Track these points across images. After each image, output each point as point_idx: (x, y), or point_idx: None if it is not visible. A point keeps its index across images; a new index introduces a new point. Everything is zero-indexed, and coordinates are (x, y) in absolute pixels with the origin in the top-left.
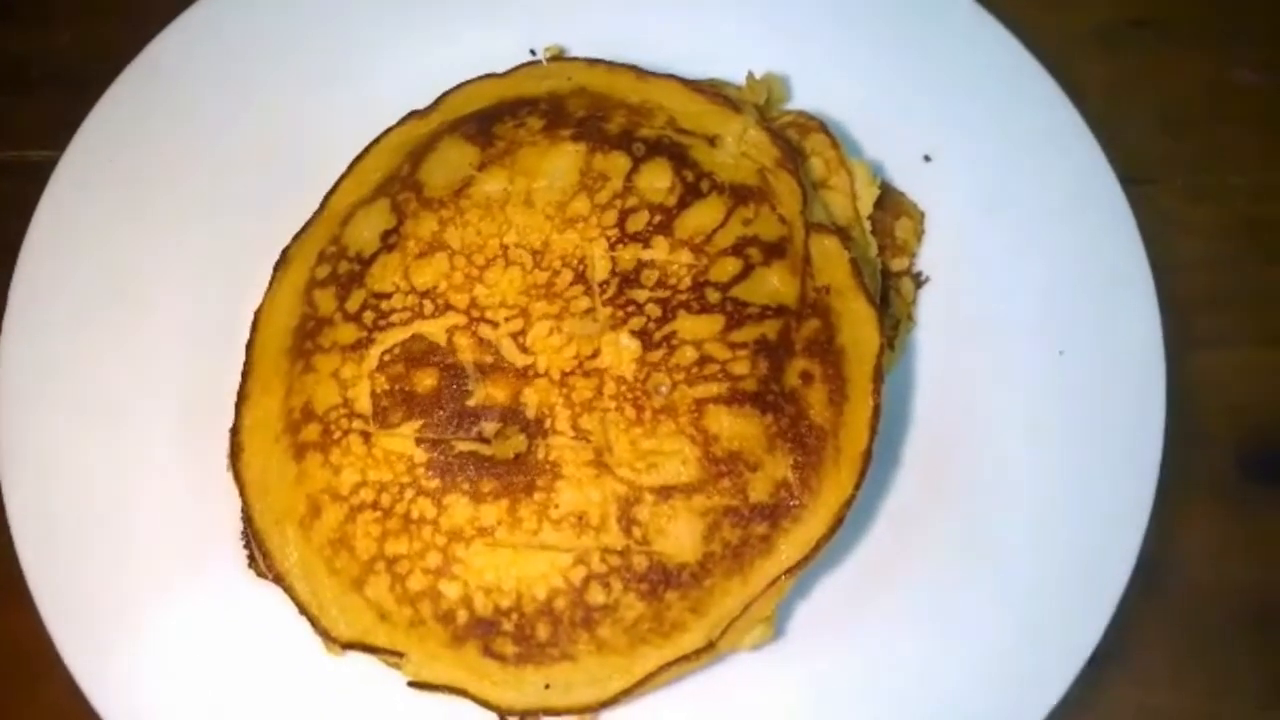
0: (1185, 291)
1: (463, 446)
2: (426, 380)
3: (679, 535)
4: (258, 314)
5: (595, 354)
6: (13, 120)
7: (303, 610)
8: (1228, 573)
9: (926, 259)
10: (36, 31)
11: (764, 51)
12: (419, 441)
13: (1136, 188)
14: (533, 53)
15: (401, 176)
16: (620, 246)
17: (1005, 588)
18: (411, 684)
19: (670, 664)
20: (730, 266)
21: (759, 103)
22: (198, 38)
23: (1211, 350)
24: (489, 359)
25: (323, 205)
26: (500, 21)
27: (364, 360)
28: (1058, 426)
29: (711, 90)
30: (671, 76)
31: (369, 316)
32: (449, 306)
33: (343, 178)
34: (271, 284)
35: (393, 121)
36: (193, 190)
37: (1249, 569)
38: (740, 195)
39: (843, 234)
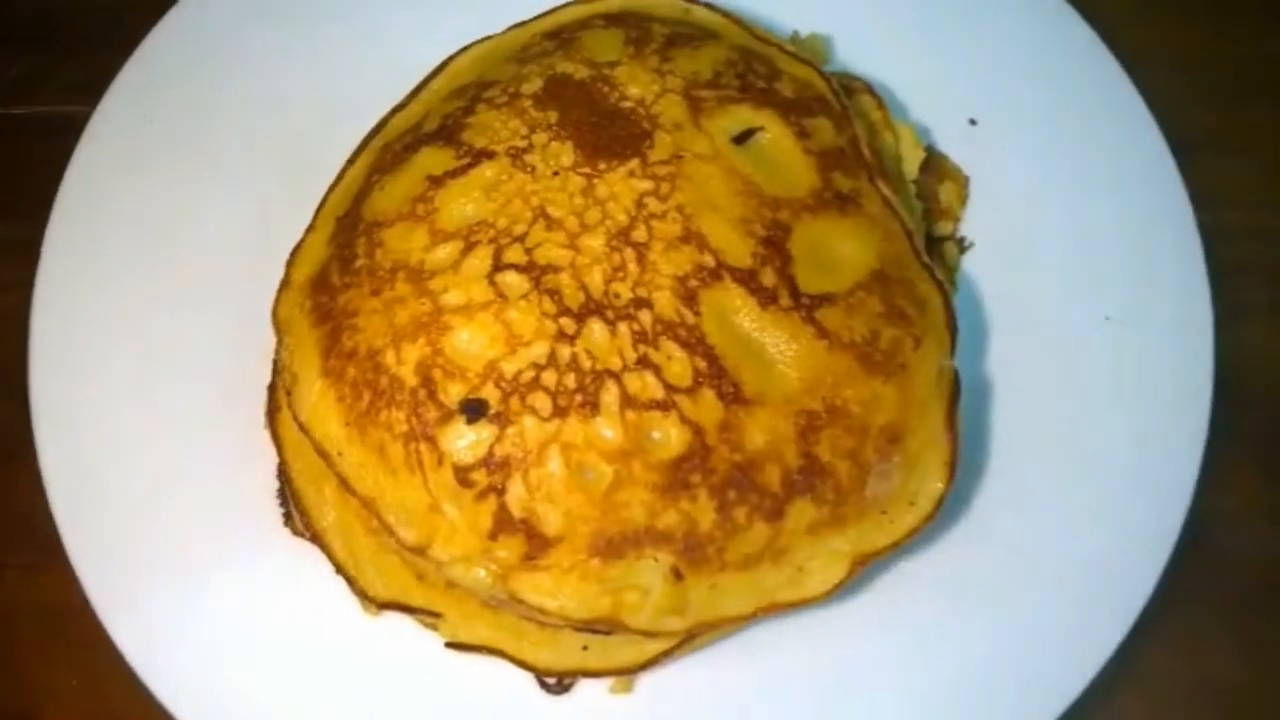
0: (1230, 259)
1: None
2: None
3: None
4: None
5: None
6: (53, 75)
7: (339, 569)
8: (1271, 539)
9: (970, 224)
10: None
11: (808, 12)
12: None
13: (1184, 155)
14: None
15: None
16: None
17: (1049, 550)
18: (449, 645)
19: (710, 625)
20: None
21: None
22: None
23: (1256, 318)
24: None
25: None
26: None
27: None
28: (1103, 392)
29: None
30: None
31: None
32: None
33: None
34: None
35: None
36: (228, 145)
37: None
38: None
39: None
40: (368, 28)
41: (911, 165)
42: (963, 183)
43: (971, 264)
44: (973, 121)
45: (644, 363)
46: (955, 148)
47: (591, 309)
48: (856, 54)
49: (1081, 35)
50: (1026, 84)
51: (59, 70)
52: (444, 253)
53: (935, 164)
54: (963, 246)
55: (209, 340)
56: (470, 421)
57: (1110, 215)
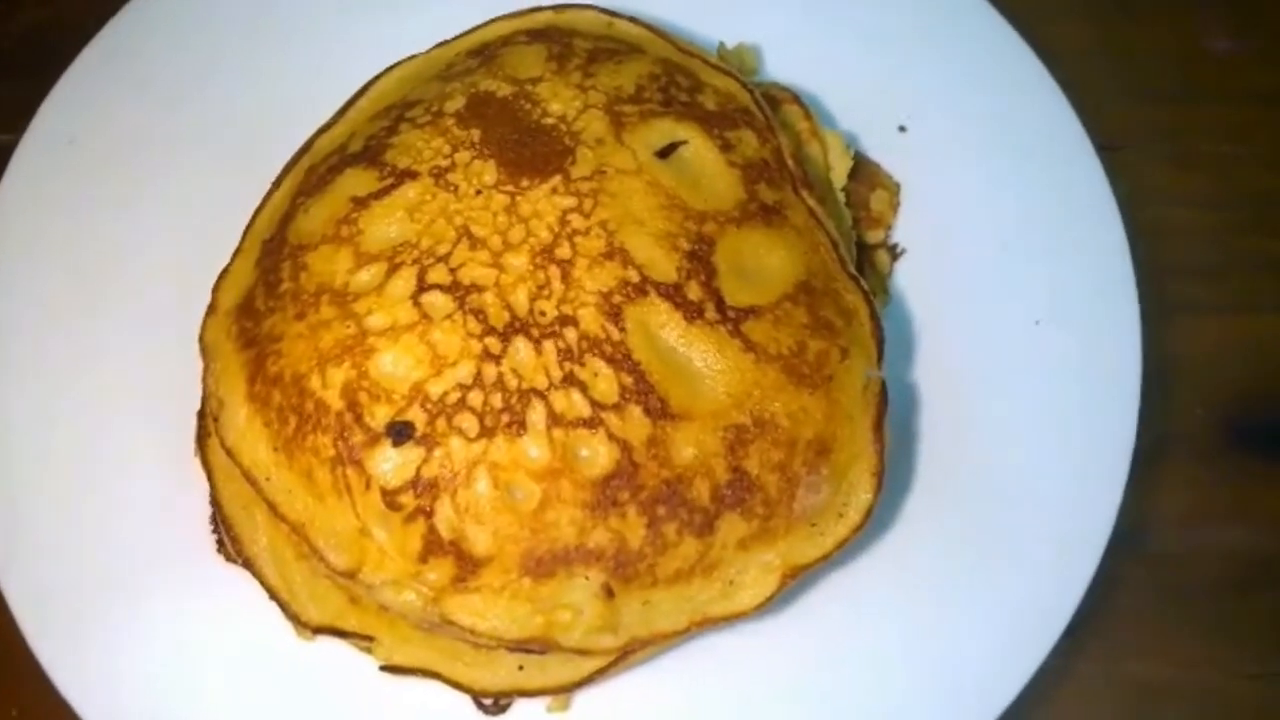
0: (1161, 259)
1: None
2: None
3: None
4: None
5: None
6: None
7: (272, 595)
8: (1207, 538)
9: (902, 231)
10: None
11: (736, 23)
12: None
13: (1112, 155)
14: None
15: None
16: None
17: (980, 556)
18: (384, 668)
19: (645, 641)
20: None
21: None
22: (156, 16)
23: (1188, 317)
24: None
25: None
26: None
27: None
28: (1034, 395)
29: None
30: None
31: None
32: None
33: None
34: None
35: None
36: (155, 169)
37: (1228, 534)
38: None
39: None
40: (296, 49)
41: (840, 173)
42: (894, 190)
43: (904, 271)
44: (902, 128)
45: (570, 380)
46: (886, 155)
47: (516, 328)
48: (785, 63)
49: (1008, 40)
50: (955, 90)
51: None
52: (368, 275)
53: (866, 171)
54: (895, 254)
55: (138, 367)
56: (396, 444)
57: (1038, 218)
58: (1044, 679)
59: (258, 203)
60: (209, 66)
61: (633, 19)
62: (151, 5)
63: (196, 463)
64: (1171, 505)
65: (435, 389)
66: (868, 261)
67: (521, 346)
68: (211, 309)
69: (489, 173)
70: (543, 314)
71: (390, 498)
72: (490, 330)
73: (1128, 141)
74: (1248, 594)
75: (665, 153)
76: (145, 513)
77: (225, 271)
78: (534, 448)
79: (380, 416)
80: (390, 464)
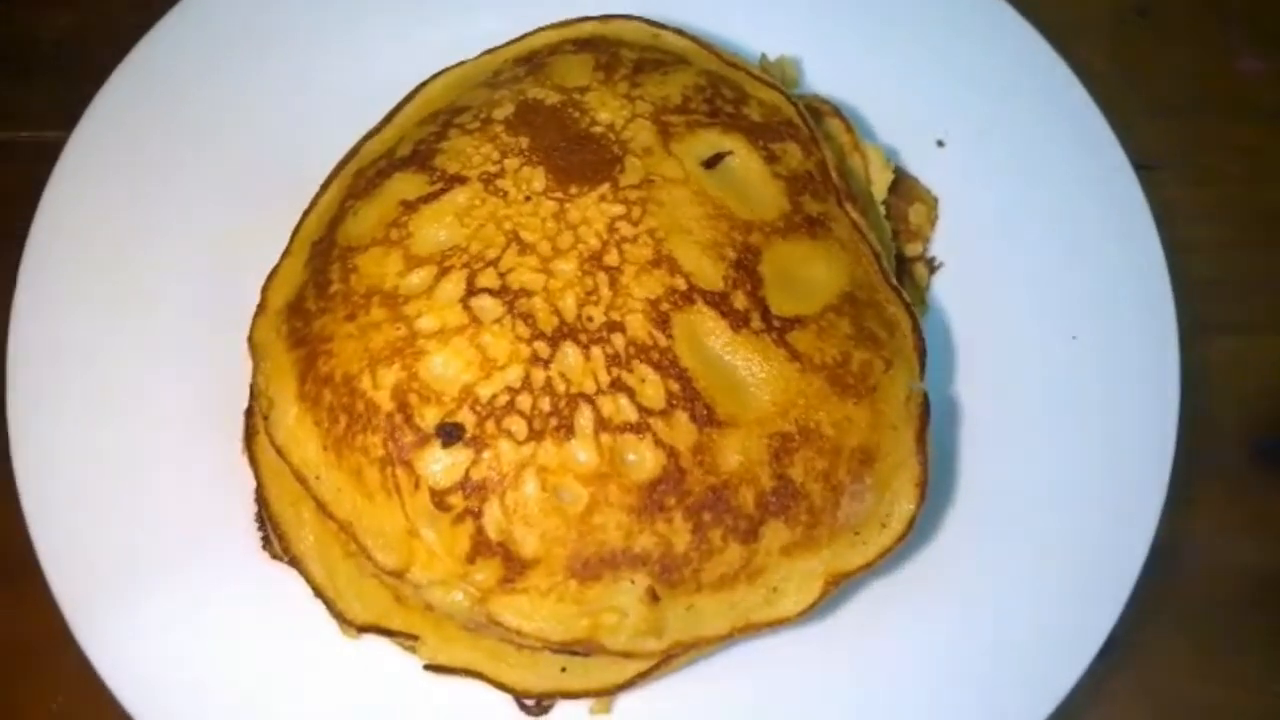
0: (1194, 276)
1: None
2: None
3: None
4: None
5: None
6: (21, 102)
7: (318, 592)
8: (1239, 558)
9: (940, 244)
10: (39, 13)
11: (777, 35)
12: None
13: (1144, 173)
14: None
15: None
16: None
17: (1017, 575)
18: (428, 667)
19: (688, 646)
20: None
21: None
22: (201, 20)
23: (1220, 335)
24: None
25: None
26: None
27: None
28: (1070, 411)
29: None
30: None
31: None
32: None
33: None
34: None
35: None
36: (202, 171)
37: (1261, 554)
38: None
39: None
40: (340, 54)
41: (880, 187)
42: (932, 204)
43: (941, 284)
44: (940, 143)
45: (618, 386)
46: (924, 169)
47: (565, 333)
48: (826, 76)
49: (1046, 57)
50: (993, 106)
51: (27, 99)
52: (418, 278)
53: (904, 185)
54: (933, 267)
55: (186, 366)
56: (446, 445)
57: (1076, 234)
58: (1078, 695)
59: (303, 205)
60: (253, 72)
61: (678, 30)
62: (197, 8)
63: (244, 460)
64: (1200, 523)
65: (485, 391)
66: (906, 274)
67: (570, 351)
68: (261, 309)
69: (538, 179)
70: (590, 320)
71: (439, 498)
72: (539, 335)
73: (1155, 159)
74: (1276, 611)
75: (711, 163)
76: (192, 509)
77: (274, 272)
78: (582, 451)
79: (430, 418)
80: (439, 465)
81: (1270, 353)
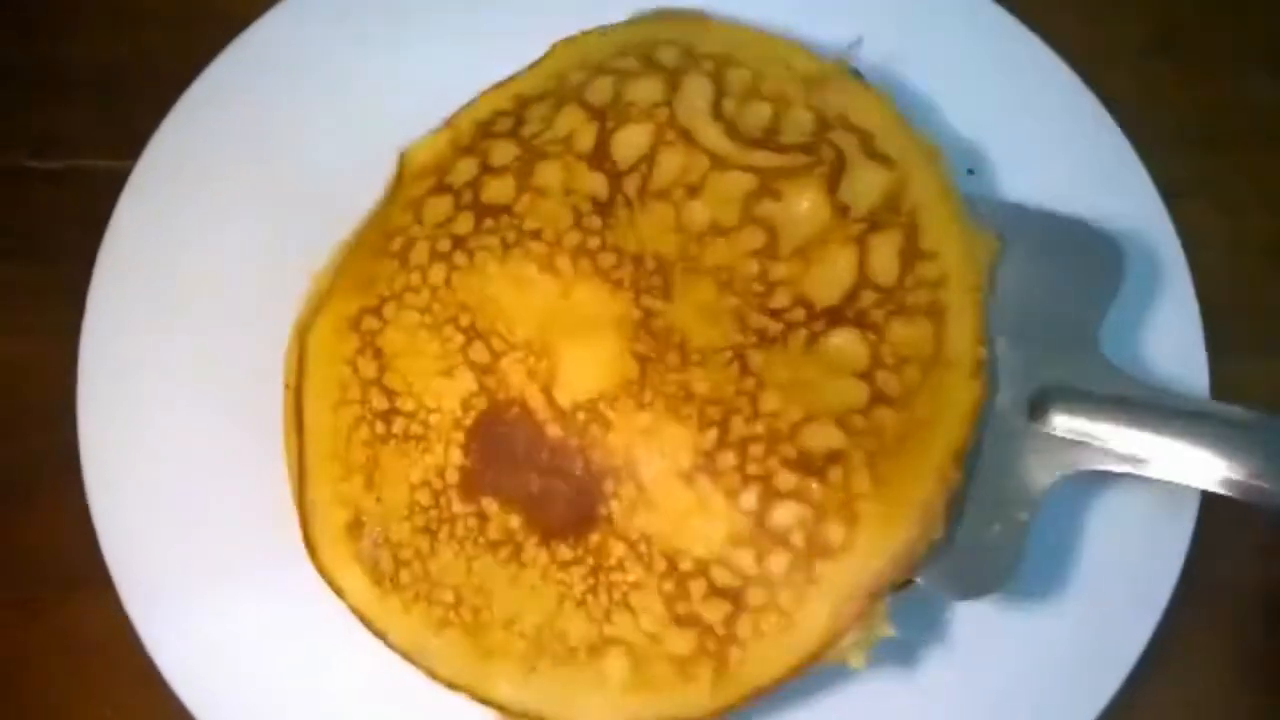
0: (1211, 302)
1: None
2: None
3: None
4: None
5: None
6: (62, 129)
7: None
8: (1270, 573)
9: None
10: (78, 42)
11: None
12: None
13: (1169, 201)
14: None
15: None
16: None
17: (1051, 596)
18: None
19: None
20: None
21: None
22: (265, 52)
23: (1239, 358)
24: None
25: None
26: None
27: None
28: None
29: None
30: None
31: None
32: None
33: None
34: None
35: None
36: (267, 196)
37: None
38: None
39: None
40: (408, 84)
41: None
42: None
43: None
44: (971, 171)
45: None
46: None
47: None
48: None
49: (1074, 87)
50: (1022, 135)
51: (68, 127)
52: None
53: None
54: None
55: (255, 375)
56: None
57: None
58: (1114, 712)
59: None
60: (321, 99)
61: None
62: (258, 41)
63: None
64: (1230, 544)
65: None
66: None
67: None
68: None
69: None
70: None
71: None
72: None
73: (1178, 188)
74: None
75: None
76: (262, 511)
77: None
78: None
79: None
80: None
81: None
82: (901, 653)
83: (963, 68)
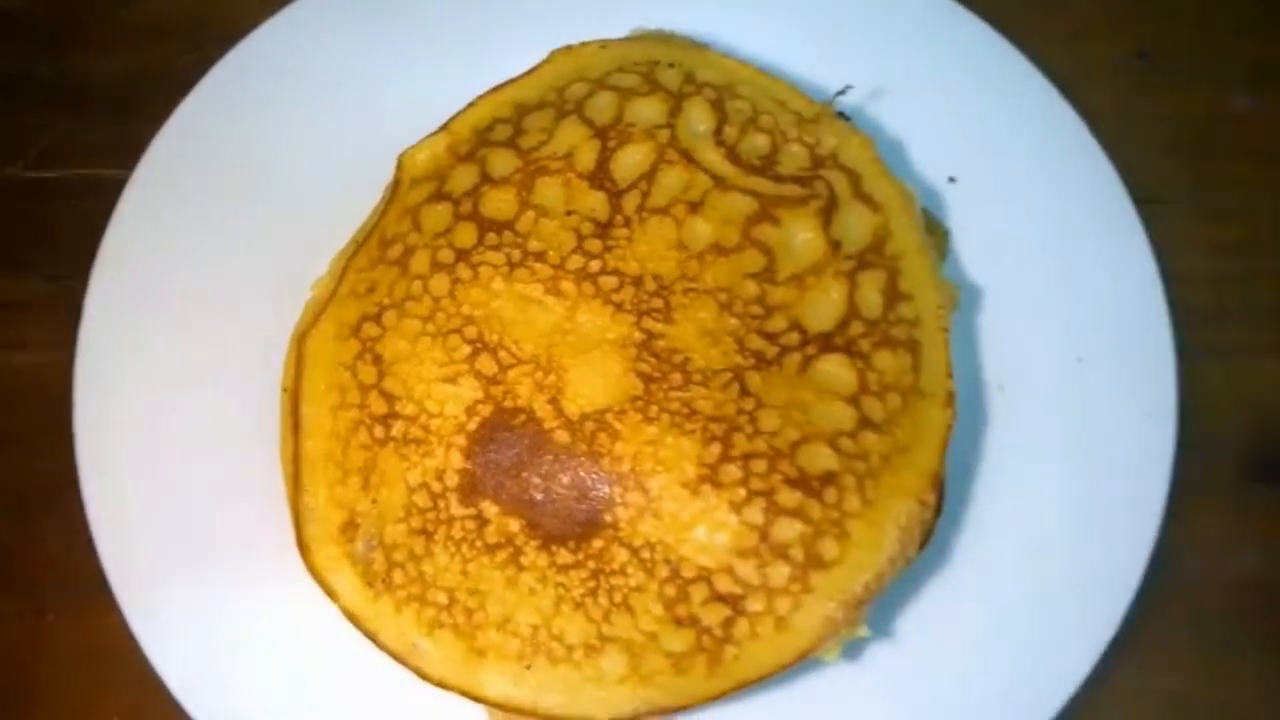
0: (1191, 304)
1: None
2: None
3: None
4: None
5: None
6: (77, 140)
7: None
8: (1240, 565)
9: (951, 271)
10: (93, 54)
11: (810, 75)
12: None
13: (1145, 208)
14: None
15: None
16: None
17: (1025, 580)
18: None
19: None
20: None
21: None
22: (260, 62)
23: (1217, 359)
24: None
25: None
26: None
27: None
28: (1076, 428)
29: None
30: None
31: None
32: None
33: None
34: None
35: None
36: (257, 206)
37: (1259, 564)
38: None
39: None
40: (403, 91)
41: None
42: (943, 235)
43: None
44: (952, 179)
45: None
46: (937, 203)
47: None
48: (854, 114)
49: (1051, 99)
50: (1002, 145)
51: (85, 135)
52: None
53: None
54: None
55: (243, 385)
56: None
57: (1079, 264)
58: (1089, 690)
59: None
60: (316, 112)
61: None
62: (253, 51)
63: None
64: (1202, 534)
65: None
66: None
67: None
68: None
69: None
70: None
71: None
72: None
73: (1157, 195)
74: (1271, 617)
75: None
76: (259, 518)
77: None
78: None
79: None
80: None
81: (1267, 376)
82: (856, 645)
83: (947, 82)
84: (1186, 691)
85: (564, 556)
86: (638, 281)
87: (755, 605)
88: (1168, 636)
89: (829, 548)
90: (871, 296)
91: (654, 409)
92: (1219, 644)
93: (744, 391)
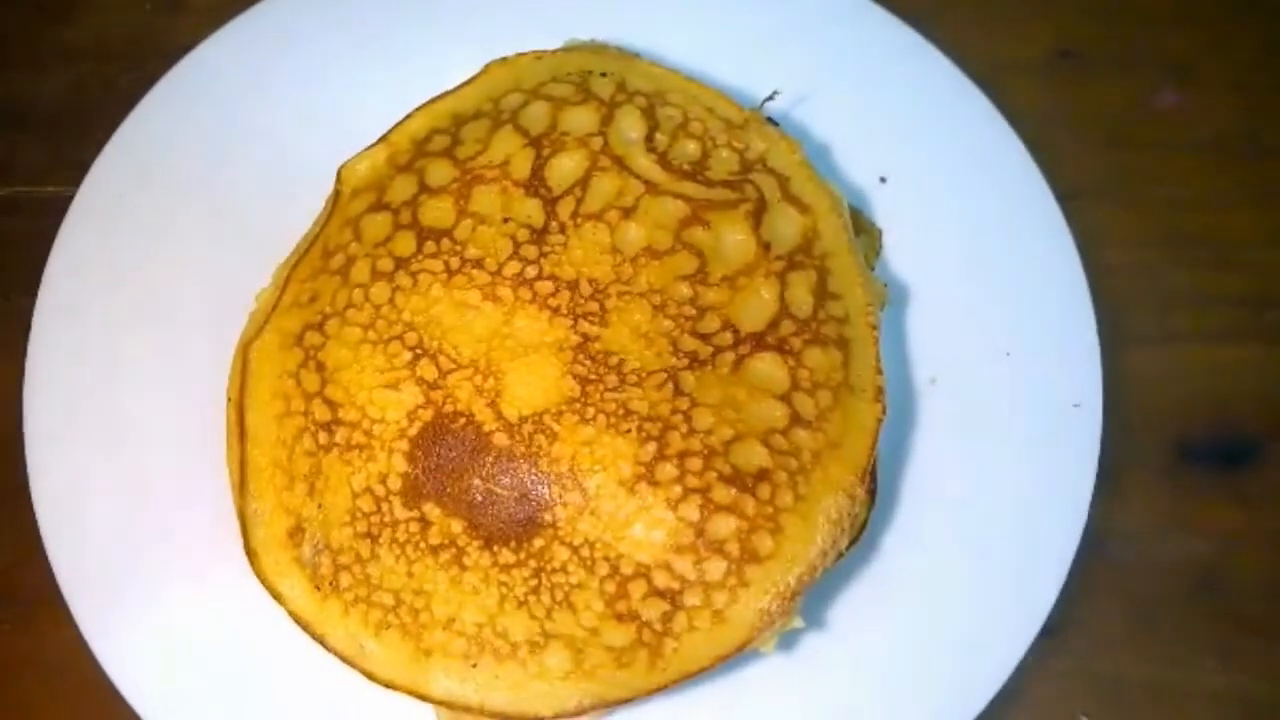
0: (1119, 294)
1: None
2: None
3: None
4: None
5: None
6: (20, 159)
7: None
8: (1169, 548)
9: (883, 271)
10: (36, 74)
11: (746, 74)
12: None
13: (1070, 202)
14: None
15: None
16: None
17: (961, 566)
18: None
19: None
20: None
21: None
22: (202, 78)
23: (1142, 347)
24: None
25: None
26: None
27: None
28: (1004, 419)
29: None
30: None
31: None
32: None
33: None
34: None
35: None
36: (202, 214)
37: (1188, 544)
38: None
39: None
40: (342, 104)
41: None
42: (876, 235)
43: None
44: (883, 179)
45: None
46: (869, 202)
47: None
48: (783, 119)
49: (976, 99)
50: (930, 144)
51: (28, 154)
52: None
53: (852, 218)
54: None
55: (191, 392)
56: None
57: (1007, 259)
58: (1022, 675)
59: (296, 243)
60: (260, 125)
61: None
62: (195, 67)
63: None
64: (1131, 518)
65: None
66: None
67: None
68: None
69: None
70: None
71: None
72: None
73: (1082, 189)
74: (1200, 598)
75: None
76: (210, 524)
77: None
78: None
79: None
80: None
81: (1194, 361)
82: (791, 636)
83: (874, 84)
84: (1119, 673)
85: (506, 556)
86: (573, 286)
87: (693, 599)
88: (1100, 620)
89: (763, 542)
90: (802, 296)
91: (590, 410)
92: (1150, 626)
93: (678, 391)
